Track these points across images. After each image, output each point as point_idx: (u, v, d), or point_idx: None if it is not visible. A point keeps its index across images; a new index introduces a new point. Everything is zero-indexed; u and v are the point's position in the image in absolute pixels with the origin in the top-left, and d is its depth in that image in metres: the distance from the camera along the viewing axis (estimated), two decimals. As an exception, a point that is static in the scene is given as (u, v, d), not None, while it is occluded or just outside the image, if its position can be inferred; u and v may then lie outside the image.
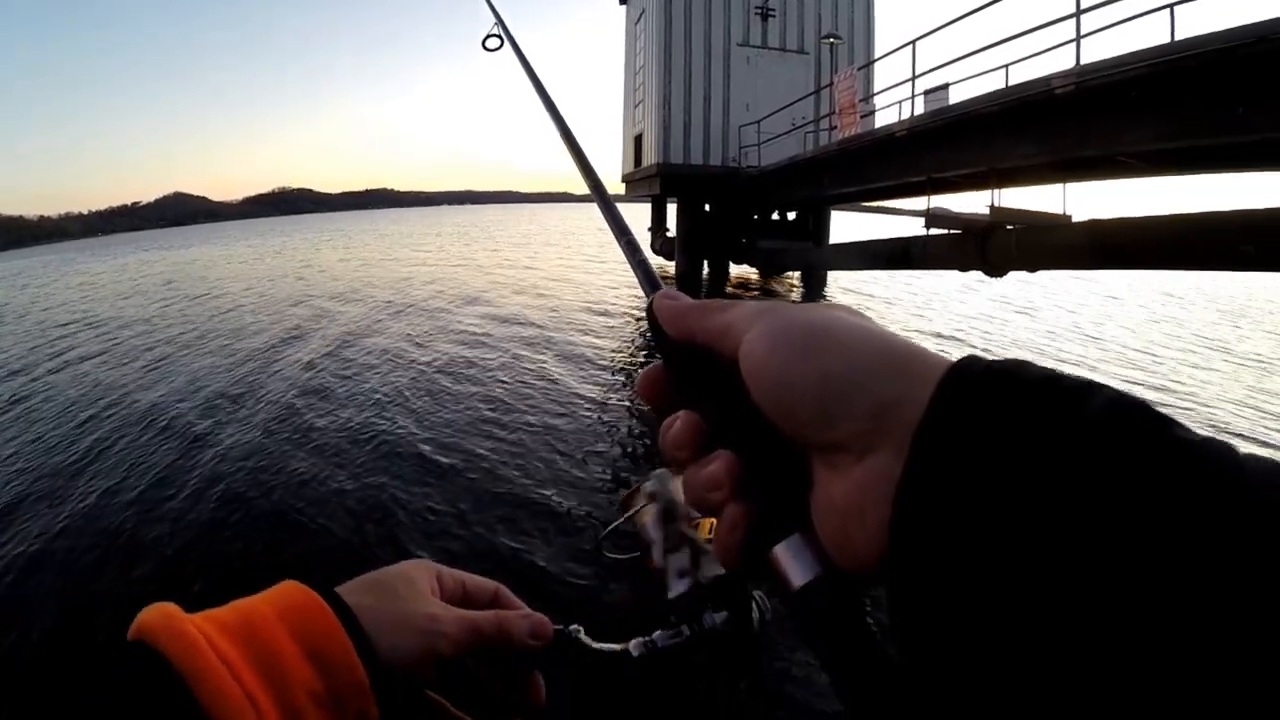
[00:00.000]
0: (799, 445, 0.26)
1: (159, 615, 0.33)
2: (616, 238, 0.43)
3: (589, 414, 6.37)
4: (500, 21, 0.93)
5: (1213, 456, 0.18)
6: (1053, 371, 0.22)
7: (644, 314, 0.35)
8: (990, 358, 0.23)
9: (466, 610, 0.42)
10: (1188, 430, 0.19)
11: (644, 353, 8.78)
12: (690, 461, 0.29)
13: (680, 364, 0.32)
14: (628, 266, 0.41)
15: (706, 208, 14.95)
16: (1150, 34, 5.08)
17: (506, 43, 0.90)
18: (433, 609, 0.41)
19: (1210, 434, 0.19)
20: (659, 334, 0.32)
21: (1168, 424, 0.19)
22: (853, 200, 12.90)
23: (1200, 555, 0.16)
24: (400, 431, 5.95)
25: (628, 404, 6.60)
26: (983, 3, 7.06)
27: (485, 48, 0.95)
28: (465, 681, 0.42)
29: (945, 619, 0.20)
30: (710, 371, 0.29)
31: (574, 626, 0.44)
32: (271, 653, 0.34)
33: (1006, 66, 7.24)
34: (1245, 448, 0.18)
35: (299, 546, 4.06)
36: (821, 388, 0.24)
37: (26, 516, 4.67)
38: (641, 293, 0.36)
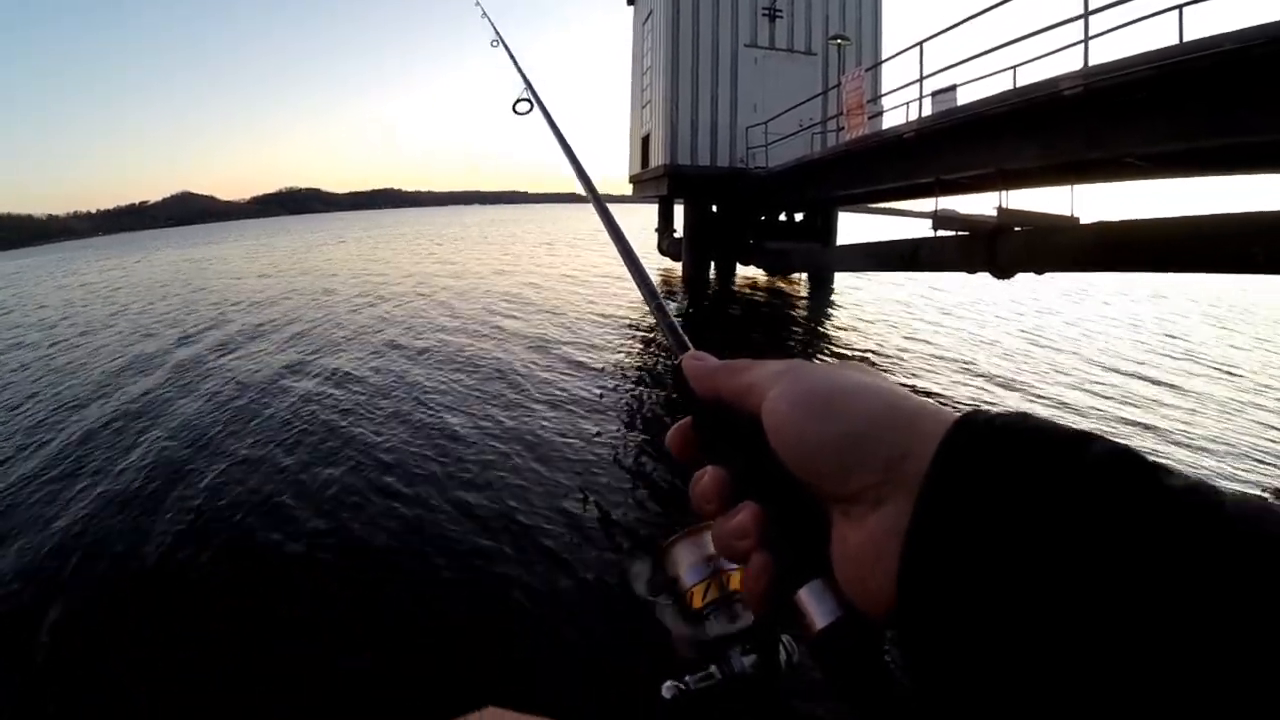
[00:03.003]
0: (819, 497, 0.28)
1: None
2: (646, 301, 0.45)
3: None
4: (529, 86, 0.97)
5: (1197, 503, 0.20)
6: (1050, 424, 0.24)
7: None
8: (994, 410, 0.25)
9: None
10: (1177, 476, 0.21)
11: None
12: (719, 513, 0.31)
13: (707, 420, 0.34)
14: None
15: (714, 208, 14.92)
16: (1159, 35, 5.06)
17: (536, 107, 0.94)
18: None
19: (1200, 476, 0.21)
20: (687, 392, 0.35)
21: (1158, 473, 0.21)
22: (860, 201, 12.83)
23: (1186, 598, 0.18)
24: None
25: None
26: (991, 4, 7.04)
27: (515, 111, 0.98)
28: None
29: (953, 661, 0.22)
30: (735, 428, 0.31)
31: None
32: None
33: (1014, 68, 7.20)
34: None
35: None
36: (838, 444, 0.27)
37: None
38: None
